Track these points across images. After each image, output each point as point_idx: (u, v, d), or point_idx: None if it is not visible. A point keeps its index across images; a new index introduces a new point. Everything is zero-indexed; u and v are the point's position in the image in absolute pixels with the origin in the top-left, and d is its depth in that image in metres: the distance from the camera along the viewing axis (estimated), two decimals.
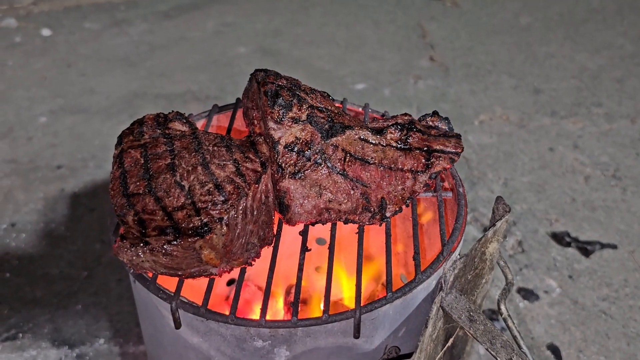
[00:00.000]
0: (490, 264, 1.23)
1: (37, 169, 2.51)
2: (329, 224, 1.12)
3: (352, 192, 1.08)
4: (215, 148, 1.07)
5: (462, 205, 1.17)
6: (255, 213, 1.01)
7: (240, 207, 0.99)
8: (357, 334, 0.99)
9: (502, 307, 1.25)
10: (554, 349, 1.92)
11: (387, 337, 1.06)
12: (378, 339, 1.04)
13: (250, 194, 1.00)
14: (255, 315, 1.52)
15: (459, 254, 1.13)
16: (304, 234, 1.11)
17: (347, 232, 1.25)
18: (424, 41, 3.45)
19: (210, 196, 0.98)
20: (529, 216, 2.37)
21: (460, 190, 1.19)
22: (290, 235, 1.22)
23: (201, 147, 1.07)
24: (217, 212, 0.97)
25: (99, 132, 2.72)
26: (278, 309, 1.52)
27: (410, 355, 1.00)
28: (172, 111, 1.18)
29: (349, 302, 1.51)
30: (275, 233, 1.09)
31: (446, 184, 1.25)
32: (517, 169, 2.58)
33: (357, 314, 0.97)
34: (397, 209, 1.09)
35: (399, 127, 1.13)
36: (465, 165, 2.57)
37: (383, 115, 1.39)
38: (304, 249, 1.07)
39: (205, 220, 0.96)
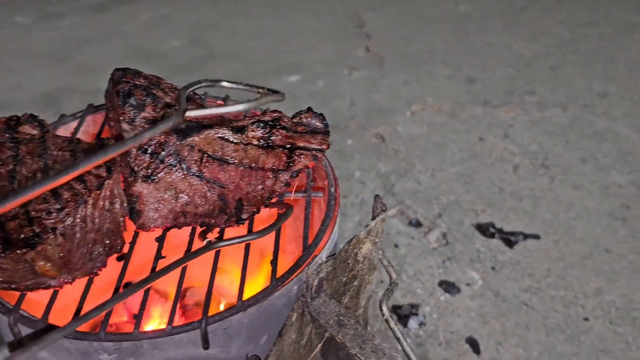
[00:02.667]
0: (370, 264, 1.19)
1: None
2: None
3: (208, 194, 1.03)
4: (60, 153, 1.01)
5: (332, 207, 1.12)
6: (97, 221, 0.96)
7: (79, 215, 0.93)
8: (205, 345, 0.94)
9: (384, 308, 1.21)
10: (473, 342, 1.91)
11: (246, 346, 1.01)
12: (235, 348, 1.00)
13: (91, 200, 0.95)
14: (154, 320, 1.48)
15: (326, 257, 1.09)
16: (160, 240, 1.06)
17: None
18: (361, 31, 3.41)
19: (45, 204, 0.93)
20: (456, 207, 2.34)
21: (332, 190, 1.15)
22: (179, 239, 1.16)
23: (46, 152, 1.01)
24: (52, 221, 0.91)
25: None
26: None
27: None
28: (25, 114, 1.12)
29: None
30: (125, 241, 1.04)
31: (320, 184, 1.21)
32: (447, 160, 2.55)
33: (203, 325, 0.92)
34: (254, 209, 1.05)
35: (261, 124, 1.08)
36: (394, 157, 2.54)
37: (224, 100, 1.38)
38: (158, 256, 1.02)
39: (37, 230, 0.90)
